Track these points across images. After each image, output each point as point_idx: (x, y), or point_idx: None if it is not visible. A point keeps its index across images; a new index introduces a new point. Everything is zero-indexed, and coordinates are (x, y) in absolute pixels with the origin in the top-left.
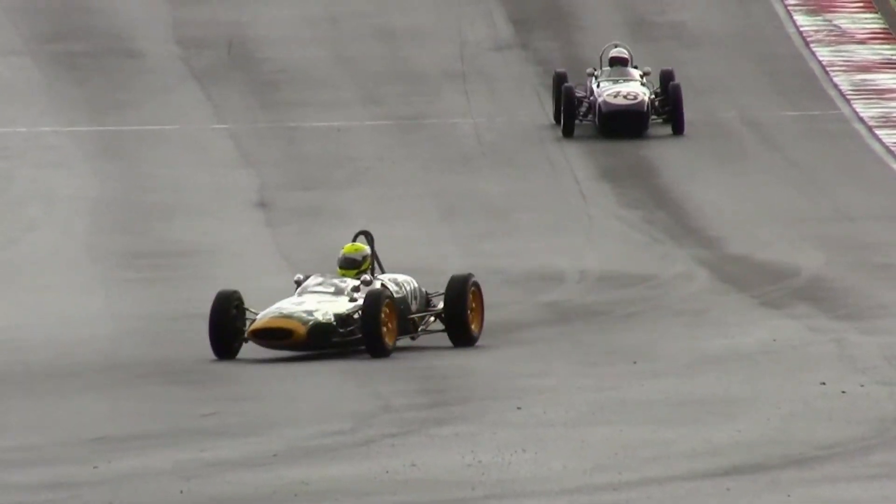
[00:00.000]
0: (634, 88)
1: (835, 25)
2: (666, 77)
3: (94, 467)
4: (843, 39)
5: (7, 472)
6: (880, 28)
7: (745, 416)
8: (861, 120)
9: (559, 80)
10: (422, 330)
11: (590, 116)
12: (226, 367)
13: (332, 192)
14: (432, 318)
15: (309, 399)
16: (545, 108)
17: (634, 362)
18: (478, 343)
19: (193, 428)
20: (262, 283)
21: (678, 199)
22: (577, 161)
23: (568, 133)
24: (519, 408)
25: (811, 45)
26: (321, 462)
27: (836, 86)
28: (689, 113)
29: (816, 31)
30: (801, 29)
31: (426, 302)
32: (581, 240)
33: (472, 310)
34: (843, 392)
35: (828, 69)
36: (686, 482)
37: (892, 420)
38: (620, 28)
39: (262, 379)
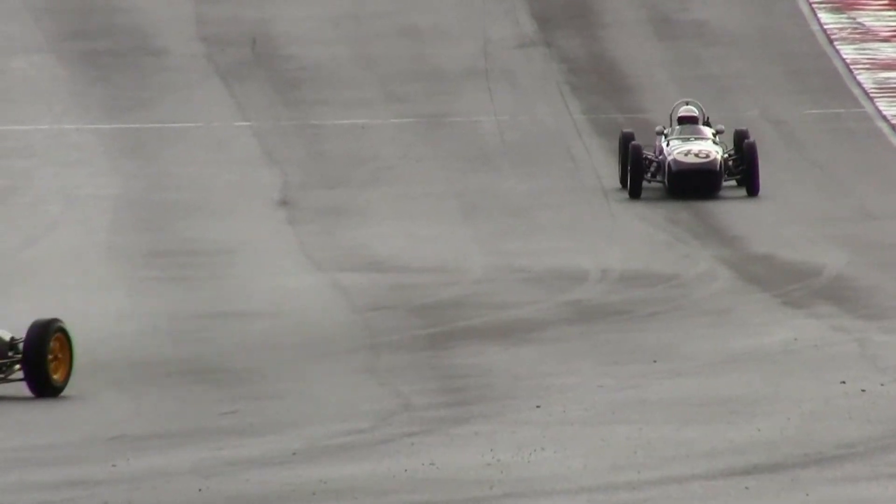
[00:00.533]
0: (706, 147)
1: (859, 23)
2: (740, 136)
3: (113, 466)
4: (867, 37)
5: (27, 470)
6: None
7: (765, 416)
8: (884, 118)
9: (626, 139)
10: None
11: (658, 177)
12: (247, 365)
13: (355, 190)
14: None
15: (328, 398)
16: (568, 107)
17: (655, 361)
18: (499, 342)
19: (213, 427)
20: (282, 281)
21: (700, 199)
22: (600, 159)
23: (635, 195)
24: (538, 406)
25: (835, 43)
26: (340, 461)
27: (859, 84)
28: (712, 112)
29: (840, 29)
30: (825, 27)
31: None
32: (603, 239)
33: (56, 358)
34: (864, 391)
35: (851, 67)
36: (706, 481)
37: None
38: (644, 25)
39: (281, 378)
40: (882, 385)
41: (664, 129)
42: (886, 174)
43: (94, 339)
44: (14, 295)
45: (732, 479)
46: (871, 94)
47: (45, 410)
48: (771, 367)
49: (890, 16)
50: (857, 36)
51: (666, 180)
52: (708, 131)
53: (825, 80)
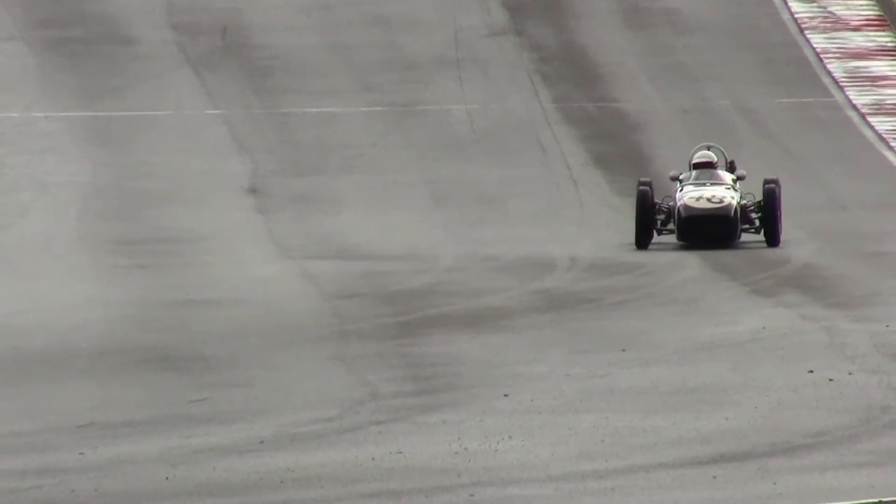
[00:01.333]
0: (720, 192)
1: (829, 12)
2: (766, 183)
3: (81, 454)
4: (838, 26)
5: None
6: (875, 15)
7: (733, 405)
8: (854, 107)
9: (643, 195)
10: None
11: (670, 225)
12: (215, 353)
13: (326, 178)
14: None
15: (297, 386)
16: (539, 96)
17: (624, 350)
18: (469, 330)
19: (181, 414)
20: (251, 269)
21: (671, 187)
22: (570, 148)
23: (641, 245)
24: (506, 395)
25: (805, 32)
26: (308, 449)
27: (829, 73)
28: (683, 99)
29: (811, 18)
30: (796, 16)
31: None
32: (573, 227)
33: None
34: (831, 380)
35: (822, 56)
36: (673, 470)
37: (879, 408)
38: (615, 14)
39: (250, 365)
40: (850, 374)
41: (679, 175)
42: (856, 163)
43: (64, 326)
44: None
45: (700, 468)
46: (842, 84)
47: (12, 398)
48: (739, 355)
49: (860, 5)
50: (828, 25)
51: (676, 227)
52: (727, 177)
53: (796, 69)
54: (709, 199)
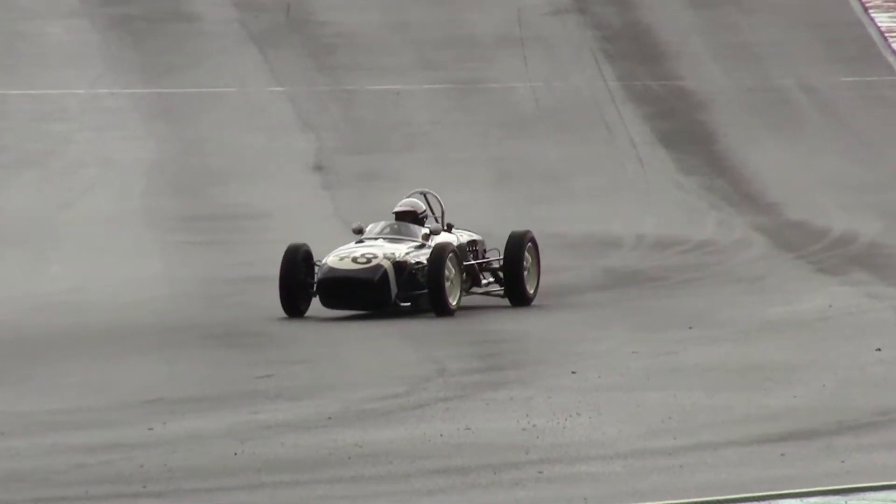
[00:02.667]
0: (382, 250)
1: None
2: (516, 239)
3: (150, 429)
4: None
5: (64, 433)
6: None
7: (800, 382)
8: None
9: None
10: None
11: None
12: (282, 329)
13: (389, 156)
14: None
15: (364, 362)
16: (603, 74)
17: (690, 328)
18: (534, 307)
19: (249, 390)
20: (318, 246)
21: (736, 166)
22: (635, 126)
23: (291, 313)
24: (574, 372)
25: (869, 11)
26: (376, 425)
27: (894, 51)
28: (747, 78)
29: None
30: None
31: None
32: (638, 205)
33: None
34: None
35: (886, 35)
36: (741, 447)
37: None
38: None
39: (317, 342)
40: None
41: (362, 227)
42: None
43: (129, 302)
44: (49, 258)
45: (767, 446)
46: None
47: (81, 373)
48: (806, 333)
49: None
50: (892, 3)
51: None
52: (420, 231)
53: (860, 47)
54: (355, 259)
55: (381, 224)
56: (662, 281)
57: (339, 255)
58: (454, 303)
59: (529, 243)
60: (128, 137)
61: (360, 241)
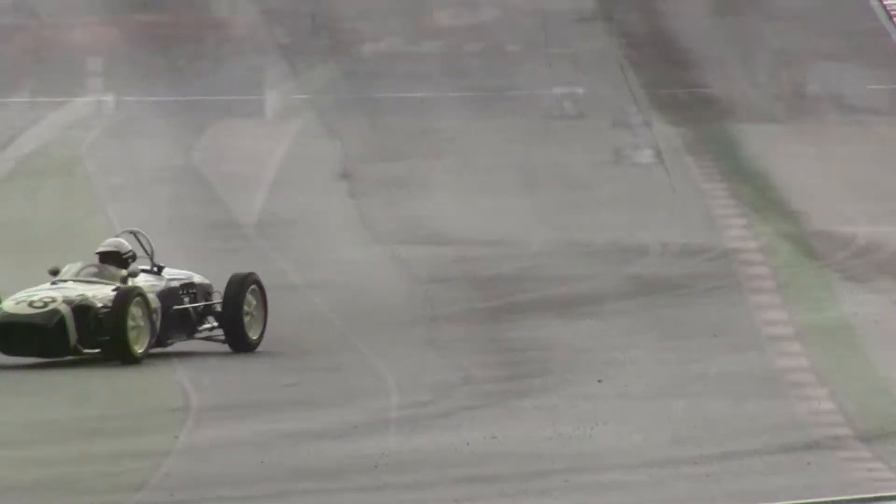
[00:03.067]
0: (63, 293)
1: None
2: (238, 282)
3: (175, 437)
4: None
5: (89, 441)
6: None
7: (826, 391)
8: None
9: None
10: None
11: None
12: (307, 337)
13: (416, 163)
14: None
15: (390, 371)
16: (628, 81)
17: (715, 336)
18: (560, 315)
19: (275, 399)
20: (343, 253)
21: (761, 173)
22: (660, 133)
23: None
24: (600, 381)
25: (894, 19)
26: (402, 433)
27: None
28: (773, 85)
29: None
30: (885, 2)
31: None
32: (664, 213)
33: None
34: None
35: None
36: (767, 456)
37: None
38: (704, 1)
39: (343, 350)
40: None
41: (59, 268)
42: None
43: None
44: None
45: (793, 455)
46: None
47: (107, 382)
48: (831, 341)
49: None
50: None
51: None
52: (119, 273)
53: (885, 55)
54: (31, 304)
55: (78, 265)
56: (688, 289)
57: (16, 299)
58: (140, 350)
59: (254, 285)
60: (153, 144)
61: (54, 283)
